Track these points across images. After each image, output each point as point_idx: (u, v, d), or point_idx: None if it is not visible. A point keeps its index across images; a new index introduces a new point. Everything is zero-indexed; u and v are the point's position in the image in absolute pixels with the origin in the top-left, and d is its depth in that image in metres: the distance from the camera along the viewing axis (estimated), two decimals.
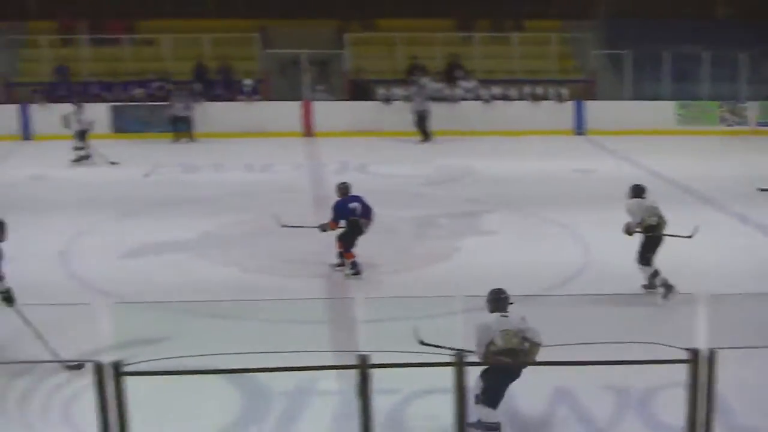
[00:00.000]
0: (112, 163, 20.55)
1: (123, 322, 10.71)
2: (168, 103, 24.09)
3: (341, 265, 12.78)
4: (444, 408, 6.39)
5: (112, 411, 5.81)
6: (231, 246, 14.15)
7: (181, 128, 23.93)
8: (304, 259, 13.26)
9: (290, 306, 10.91)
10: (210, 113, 24.63)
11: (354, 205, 12.54)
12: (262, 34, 26.86)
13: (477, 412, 7.75)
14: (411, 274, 12.80)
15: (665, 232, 11.51)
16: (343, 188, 12.72)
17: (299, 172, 20.30)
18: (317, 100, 25.29)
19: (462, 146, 22.78)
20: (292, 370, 6.21)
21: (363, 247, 12.50)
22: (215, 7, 29.05)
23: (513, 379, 7.78)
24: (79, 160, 20.66)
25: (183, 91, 24.27)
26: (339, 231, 12.58)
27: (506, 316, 7.75)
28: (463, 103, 25.18)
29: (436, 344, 7.75)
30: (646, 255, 11.58)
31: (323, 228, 12.60)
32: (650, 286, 11.60)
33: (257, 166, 20.61)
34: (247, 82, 25.30)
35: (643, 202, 11.62)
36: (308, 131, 24.78)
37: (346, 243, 12.62)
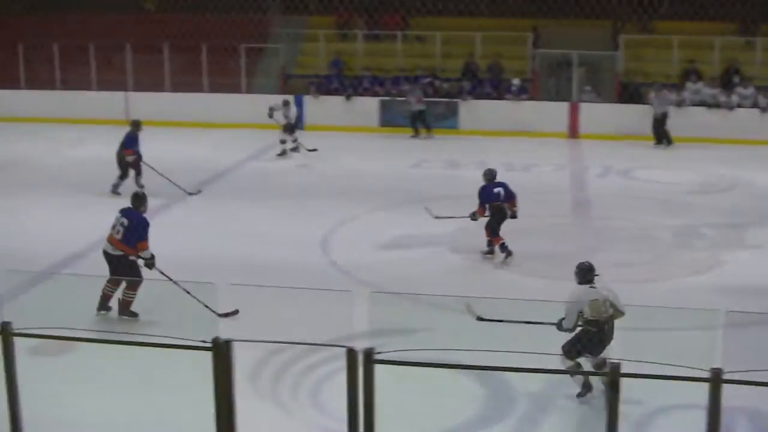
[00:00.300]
0: (310, 150, 20.88)
1: (377, 311, 10.98)
2: (404, 98, 24.40)
3: (491, 252, 13.25)
4: (689, 425, 6.17)
5: (360, 396, 5.98)
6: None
7: (417, 123, 24.13)
8: (554, 257, 13.12)
9: (539, 307, 10.82)
10: (477, 111, 24.82)
11: (498, 190, 13.06)
12: (534, 34, 26.77)
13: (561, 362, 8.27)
14: (669, 284, 12.40)
15: None
16: (489, 174, 13.29)
17: (561, 173, 20.09)
18: (584, 101, 24.93)
19: (734, 155, 21.72)
20: (540, 372, 6.19)
21: (618, 253, 12.13)
22: (488, 6, 29.19)
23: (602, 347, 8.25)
24: (283, 153, 21.20)
25: (416, 86, 24.49)
26: (486, 219, 13.05)
27: (594, 287, 8.42)
28: (739, 110, 24.07)
29: (498, 319, 8.55)
30: None
31: (473, 217, 13.14)
32: None
33: (519, 165, 20.52)
34: (515, 81, 25.28)
35: None
36: (574, 133, 24.47)
37: (492, 228, 13.02)
